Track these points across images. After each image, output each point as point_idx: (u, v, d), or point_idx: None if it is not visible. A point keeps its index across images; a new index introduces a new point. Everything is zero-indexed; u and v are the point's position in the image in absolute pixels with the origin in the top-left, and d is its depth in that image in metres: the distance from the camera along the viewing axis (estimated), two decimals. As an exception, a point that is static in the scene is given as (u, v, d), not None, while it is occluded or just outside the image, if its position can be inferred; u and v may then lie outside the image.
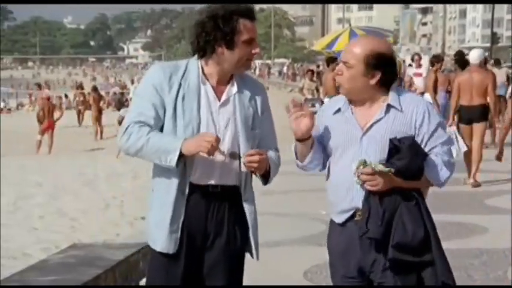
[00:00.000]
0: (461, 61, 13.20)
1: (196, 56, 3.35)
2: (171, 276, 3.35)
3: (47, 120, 20.56)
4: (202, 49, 3.30)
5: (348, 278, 3.35)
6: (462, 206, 8.87)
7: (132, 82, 49.28)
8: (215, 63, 3.32)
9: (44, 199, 11.74)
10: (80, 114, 29.04)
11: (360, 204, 3.25)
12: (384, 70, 3.25)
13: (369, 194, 3.21)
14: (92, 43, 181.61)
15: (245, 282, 3.53)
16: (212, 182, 3.32)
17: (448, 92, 14.59)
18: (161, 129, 3.30)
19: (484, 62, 11.32)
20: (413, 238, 3.15)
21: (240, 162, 3.32)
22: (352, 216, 3.29)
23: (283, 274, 6.19)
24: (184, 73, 3.32)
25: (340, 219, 3.34)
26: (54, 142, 20.37)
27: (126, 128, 3.27)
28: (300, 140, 3.29)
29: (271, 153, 3.39)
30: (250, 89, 3.40)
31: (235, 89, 3.35)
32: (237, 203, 3.38)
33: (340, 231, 3.35)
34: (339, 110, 3.35)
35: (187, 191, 3.30)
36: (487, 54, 12.25)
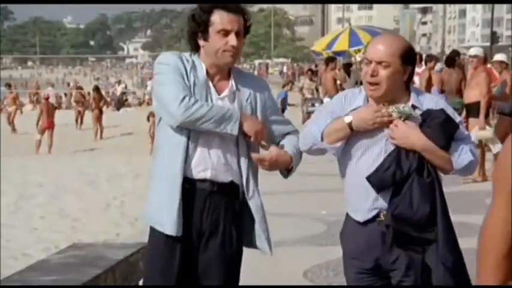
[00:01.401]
0: (451, 59, 13.34)
1: (194, 53, 3.39)
2: (167, 274, 3.33)
3: (46, 120, 20.57)
4: (190, 43, 3.36)
5: (361, 273, 3.31)
6: (463, 205, 8.85)
7: (119, 83, 49.04)
8: (203, 58, 3.35)
9: (44, 199, 11.75)
10: (79, 115, 27.49)
11: (384, 205, 3.22)
12: (413, 65, 3.30)
13: (391, 152, 3.20)
14: (92, 43, 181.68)
15: (246, 282, 3.52)
16: (208, 175, 3.31)
17: (442, 92, 14.55)
18: None
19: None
20: (416, 213, 3.12)
21: (240, 157, 3.34)
22: (376, 216, 3.26)
23: (283, 274, 6.18)
24: (192, 64, 3.34)
25: (361, 218, 3.30)
26: (53, 142, 20.38)
27: (183, 99, 3.22)
28: (352, 129, 3.25)
29: (290, 146, 3.42)
30: (250, 86, 3.40)
31: (234, 86, 3.37)
32: (235, 202, 3.37)
33: (359, 229, 3.31)
34: (359, 107, 3.32)
35: (180, 177, 3.28)
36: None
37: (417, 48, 68.63)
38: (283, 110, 19.19)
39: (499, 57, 11.50)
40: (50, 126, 20.61)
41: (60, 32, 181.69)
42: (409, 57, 3.25)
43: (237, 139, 3.33)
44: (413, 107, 3.25)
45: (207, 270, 3.35)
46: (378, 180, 3.19)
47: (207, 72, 3.35)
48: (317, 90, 22.12)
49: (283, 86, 21.44)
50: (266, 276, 5.91)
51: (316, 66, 28.51)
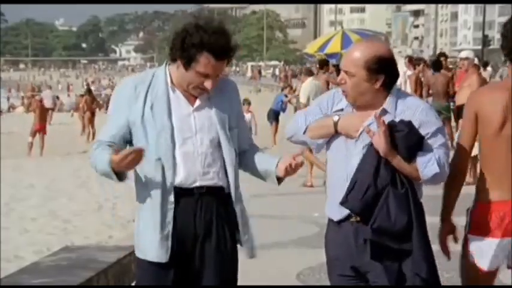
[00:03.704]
0: (438, 63, 13.36)
1: (164, 64, 3.37)
2: (162, 284, 3.34)
3: (38, 122, 20.52)
4: (170, 56, 3.32)
5: (344, 276, 3.35)
6: (457, 207, 8.89)
7: (88, 84, 48.62)
8: (176, 72, 3.33)
9: (37, 201, 11.72)
10: (83, 120, 25.60)
11: None
12: (386, 73, 3.25)
13: (360, 167, 3.22)
14: (84, 45, 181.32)
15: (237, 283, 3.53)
16: (197, 183, 3.31)
17: (429, 95, 14.54)
18: (131, 143, 3.34)
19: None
20: (395, 224, 3.15)
21: (224, 162, 3.34)
22: (348, 217, 3.29)
23: (276, 276, 6.19)
24: (151, 81, 3.33)
25: (334, 216, 3.35)
26: (46, 144, 20.32)
27: (96, 145, 3.36)
28: (337, 130, 3.30)
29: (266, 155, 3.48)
30: (224, 89, 3.40)
31: (209, 94, 3.34)
32: (224, 204, 3.38)
33: (337, 230, 3.36)
34: (341, 110, 3.35)
35: (172, 195, 3.29)
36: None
37: (409, 52, 68.69)
38: (283, 111, 19.20)
39: (465, 54, 11.33)
40: (42, 128, 20.55)
41: (52, 34, 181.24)
42: (379, 66, 3.21)
43: (219, 143, 3.33)
44: (384, 111, 3.26)
45: (203, 273, 3.35)
46: (359, 208, 3.21)
47: (176, 84, 3.32)
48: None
49: (282, 90, 21.52)
50: (258, 278, 5.91)
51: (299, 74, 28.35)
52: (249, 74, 77.64)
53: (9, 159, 18.26)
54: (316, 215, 8.10)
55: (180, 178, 3.30)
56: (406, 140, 3.18)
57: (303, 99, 11.77)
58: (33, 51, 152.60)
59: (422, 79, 15.06)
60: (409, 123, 3.19)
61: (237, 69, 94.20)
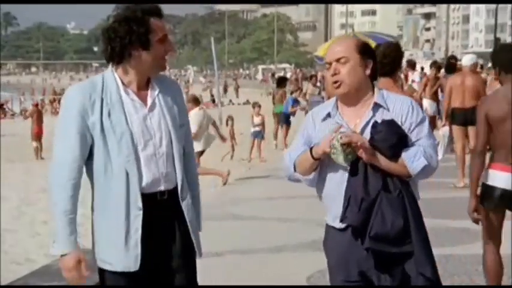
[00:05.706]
0: (449, 65, 13.40)
1: (110, 68, 3.30)
2: None
3: (37, 126, 20.60)
4: (119, 55, 3.25)
5: (349, 281, 3.35)
6: (465, 211, 8.87)
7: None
8: (133, 68, 3.27)
9: (47, 204, 11.75)
10: None
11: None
12: (374, 59, 3.33)
13: (350, 180, 3.23)
14: (95, 48, 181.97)
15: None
16: (161, 187, 3.28)
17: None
18: (91, 152, 3.24)
19: (475, 67, 11.35)
20: (392, 228, 3.15)
21: (175, 158, 3.31)
22: None
23: (286, 279, 6.18)
24: (103, 87, 3.25)
25: (340, 224, 3.34)
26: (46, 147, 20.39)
27: (64, 176, 3.29)
28: (317, 158, 3.30)
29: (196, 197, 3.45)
30: (169, 87, 3.39)
31: (156, 91, 3.33)
32: (182, 204, 3.36)
33: (340, 237, 3.36)
34: (328, 115, 3.36)
35: (140, 202, 3.22)
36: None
37: (420, 54, 68.54)
38: (293, 114, 19.11)
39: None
40: (41, 131, 20.60)
41: (63, 37, 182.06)
42: (367, 50, 3.31)
43: (170, 142, 3.30)
44: (377, 104, 3.28)
45: (172, 277, 3.32)
46: (353, 221, 3.23)
47: (128, 86, 3.29)
48: (319, 94, 22.20)
49: (292, 93, 21.51)
50: (269, 280, 5.91)
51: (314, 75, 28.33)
52: (259, 76, 77.68)
53: (20, 162, 18.35)
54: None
55: (145, 183, 3.24)
56: (386, 139, 3.20)
57: (193, 129, 11.77)
58: (44, 55, 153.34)
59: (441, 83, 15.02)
60: (388, 123, 3.22)
61: (247, 72, 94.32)
